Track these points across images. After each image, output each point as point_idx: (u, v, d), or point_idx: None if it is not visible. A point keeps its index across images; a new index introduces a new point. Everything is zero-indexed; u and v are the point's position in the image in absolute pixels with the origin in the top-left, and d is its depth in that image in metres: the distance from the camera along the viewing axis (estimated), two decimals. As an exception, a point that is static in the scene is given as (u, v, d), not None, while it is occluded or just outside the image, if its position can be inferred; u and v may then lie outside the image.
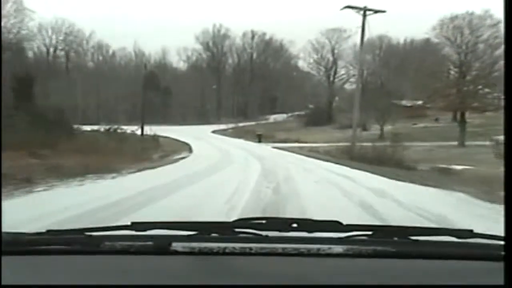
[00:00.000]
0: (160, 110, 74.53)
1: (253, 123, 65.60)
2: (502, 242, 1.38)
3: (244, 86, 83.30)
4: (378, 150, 20.69)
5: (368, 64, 58.54)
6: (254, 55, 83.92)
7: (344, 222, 1.43)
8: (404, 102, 52.95)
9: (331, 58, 67.48)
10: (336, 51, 66.11)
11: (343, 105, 66.24)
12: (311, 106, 68.36)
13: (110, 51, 78.35)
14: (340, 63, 66.03)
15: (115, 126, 37.51)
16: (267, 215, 6.87)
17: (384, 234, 1.51)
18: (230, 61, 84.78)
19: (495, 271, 1.27)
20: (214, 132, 57.09)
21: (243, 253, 1.40)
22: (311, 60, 67.91)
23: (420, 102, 51.47)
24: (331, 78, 65.92)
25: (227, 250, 1.40)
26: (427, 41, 46.81)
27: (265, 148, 33.87)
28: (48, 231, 1.48)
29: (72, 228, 1.52)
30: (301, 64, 77.30)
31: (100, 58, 77.77)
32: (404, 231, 1.51)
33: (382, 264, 1.37)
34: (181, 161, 22.67)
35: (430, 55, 42.39)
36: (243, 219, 1.53)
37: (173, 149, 31.19)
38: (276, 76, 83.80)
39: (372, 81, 57.97)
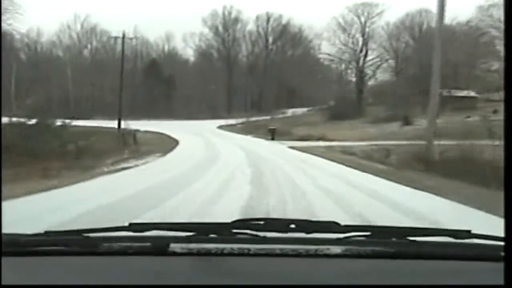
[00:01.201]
0: (162, 103, 65.85)
1: (267, 117, 56.19)
2: (500, 243, 1.39)
3: (258, 76, 74.15)
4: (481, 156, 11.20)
5: (406, 44, 48.58)
6: (270, 41, 74.35)
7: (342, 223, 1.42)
8: (454, 92, 43.15)
9: (360, 39, 57.02)
10: (367, 29, 55.66)
11: (372, 97, 56.72)
12: (331, 102, 57.84)
13: (107, 38, 69.40)
14: (371, 45, 55.47)
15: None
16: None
17: (382, 234, 1.50)
18: (242, 48, 75.32)
19: (493, 272, 1.28)
20: (220, 127, 48.19)
21: (241, 254, 1.41)
22: (337, 41, 56.93)
23: (473, 93, 41.88)
24: (361, 63, 54.99)
25: (225, 251, 1.41)
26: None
27: (278, 149, 24.52)
28: (46, 232, 1.47)
29: (70, 229, 1.50)
30: (324, 47, 65.32)
31: (95, 44, 68.99)
32: (402, 232, 1.51)
33: (380, 264, 1.38)
34: (140, 168, 15.06)
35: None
36: (242, 220, 1.53)
37: (150, 149, 22.58)
38: (294, 66, 73.51)
39: (413, 65, 47.75)
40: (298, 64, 74.23)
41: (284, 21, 73.03)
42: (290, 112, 66.65)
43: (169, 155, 20.03)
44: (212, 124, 50.28)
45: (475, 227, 1.59)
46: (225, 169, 13.58)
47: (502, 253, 1.34)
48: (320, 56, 59.54)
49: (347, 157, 18.79)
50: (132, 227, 1.44)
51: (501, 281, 1.21)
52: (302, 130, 38.68)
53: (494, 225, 3.35)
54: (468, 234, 1.44)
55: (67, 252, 1.42)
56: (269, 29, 73.81)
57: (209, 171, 12.98)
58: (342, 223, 1.43)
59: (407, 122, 36.13)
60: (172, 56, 72.90)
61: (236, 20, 72.03)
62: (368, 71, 53.87)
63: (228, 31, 72.26)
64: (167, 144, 27.23)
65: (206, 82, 69.76)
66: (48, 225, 5.44)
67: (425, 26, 51.02)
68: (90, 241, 1.44)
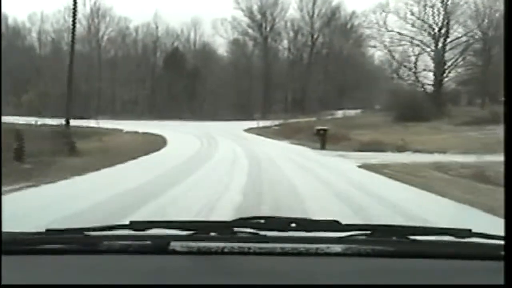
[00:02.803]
0: (185, 100, 54.61)
1: (313, 118, 43.42)
2: (501, 242, 1.39)
3: (301, 71, 61.65)
4: None
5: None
6: (316, 28, 61.95)
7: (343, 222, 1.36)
8: None
9: (441, 10, 41.22)
10: (448, 1, 40.91)
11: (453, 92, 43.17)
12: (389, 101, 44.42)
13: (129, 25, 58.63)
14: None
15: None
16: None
17: (383, 233, 1.51)
18: (282, 37, 63.17)
19: (494, 271, 1.28)
20: (248, 130, 36.33)
21: (242, 252, 1.40)
22: (408, 14, 41.27)
23: None
24: (440, 45, 40.46)
25: (226, 250, 1.40)
26: None
27: (341, 171, 13.10)
28: (47, 231, 1.47)
29: (71, 228, 1.51)
30: (391, 23, 48.34)
31: (105, 30, 58.16)
32: (403, 231, 1.51)
33: (381, 263, 1.38)
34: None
35: None
36: (242, 219, 1.52)
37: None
38: (344, 60, 61.39)
39: None
40: (348, 58, 61.75)
41: (333, 4, 60.59)
42: (340, 113, 53.90)
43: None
44: (237, 127, 38.76)
45: None
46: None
47: (502, 252, 1.34)
48: (386, 39, 43.73)
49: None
50: (133, 225, 1.43)
51: (501, 280, 1.21)
52: (364, 135, 26.24)
53: None
54: (469, 233, 1.43)
55: (68, 250, 1.41)
56: (315, 13, 61.43)
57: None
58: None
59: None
60: (198, 46, 61.51)
61: (275, 3, 60.08)
62: (449, 57, 39.12)
63: (266, 15, 60.30)
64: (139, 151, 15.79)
65: (239, 77, 58.05)
66: None
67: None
68: (91, 240, 1.43)
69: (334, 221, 1.44)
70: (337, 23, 63.21)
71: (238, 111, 54.67)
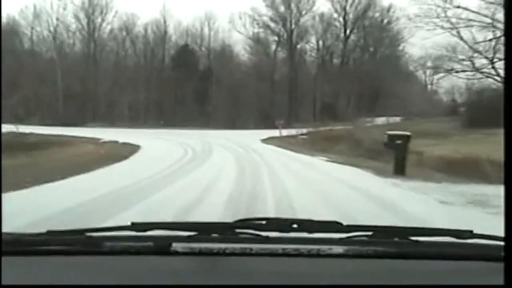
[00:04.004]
0: (196, 104, 46.60)
1: (349, 126, 34.74)
2: (502, 243, 1.39)
3: (333, 72, 53.44)
4: None
5: None
6: (348, 24, 53.49)
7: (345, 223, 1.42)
8: None
9: None
10: None
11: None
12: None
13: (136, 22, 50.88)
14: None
15: None
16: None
17: (384, 234, 1.52)
18: (310, 34, 54.71)
19: (495, 272, 1.28)
20: (267, 141, 28.05)
21: (243, 253, 1.41)
22: None
23: None
24: None
25: (227, 251, 1.41)
26: None
27: None
28: (48, 232, 1.47)
29: (72, 229, 1.51)
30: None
31: (101, 23, 50.34)
32: (404, 232, 1.52)
33: (382, 264, 1.39)
34: None
35: None
36: (244, 220, 1.52)
37: None
38: (379, 61, 53.87)
39: None
40: (384, 58, 54.56)
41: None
42: (380, 120, 45.38)
43: None
44: (260, 136, 30.57)
45: None
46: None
47: (503, 253, 1.35)
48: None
49: None
50: (134, 226, 1.44)
51: (501, 281, 1.22)
52: (437, 146, 17.55)
53: None
54: (470, 234, 1.44)
55: (69, 251, 1.41)
56: (347, 8, 52.96)
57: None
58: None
59: None
60: (212, 43, 53.44)
61: (302, -5, 51.82)
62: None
63: (291, 7, 52.00)
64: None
65: (259, 79, 50.12)
66: None
67: None
68: (92, 241, 1.44)
69: (336, 222, 1.45)
70: (373, 15, 54.63)
71: (258, 118, 46.56)
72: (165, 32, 50.50)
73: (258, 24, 52.55)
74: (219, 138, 28.11)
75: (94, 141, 24.62)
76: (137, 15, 50.55)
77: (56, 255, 1.39)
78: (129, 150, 18.70)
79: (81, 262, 1.37)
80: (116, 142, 24.17)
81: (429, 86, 59.39)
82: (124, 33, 49.63)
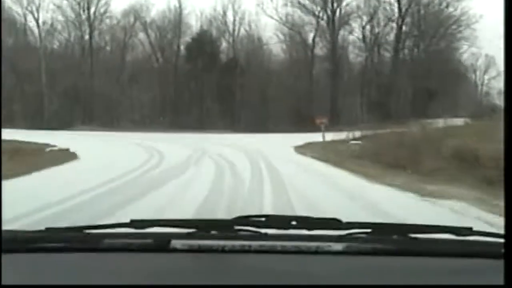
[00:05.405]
0: (216, 103, 38.28)
1: (404, 129, 25.82)
2: (501, 240, 1.39)
3: (383, 65, 46.23)
4: None
5: None
6: (403, 4, 44.43)
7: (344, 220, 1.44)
8: None
9: None
10: None
11: None
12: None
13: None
14: None
15: None
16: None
17: (384, 231, 1.52)
18: (354, 26, 45.96)
19: (494, 269, 1.28)
20: (303, 149, 19.47)
21: (242, 250, 1.40)
22: None
23: None
24: None
25: (226, 248, 1.40)
26: None
27: None
28: (47, 229, 1.48)
29: (71, 226, 1.53)
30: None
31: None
32: (404, 229, 1.52)
33: (382, 262, 1.38)
34: None
35: None
36: (243, 217, 1.52)
37: None
38: (433, 56, 45.92)
39: None
40: (441, 51, 46.96)
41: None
42: (440, 121, 36.92)
43: None
44: (294, 141, 22.89)
45: None
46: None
47: (503, 250, 1.34)
48: None
49: None
50: (133, 223, 1.45)
51: (501, 278, 1.21)
52: None
53: None
54: (470, 231, 1.45)
55: (68, 248, 1.41)
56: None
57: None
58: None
59: None
60: (236, 30, 44.88)
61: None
62: None
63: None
64: None
65: (294, 73, 42.14)
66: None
67: None
68: (91, 238, 1.44)
69: (335, 219, 1.46)
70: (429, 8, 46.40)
71: (292, 119, 38.07)
72: (180, 13, 42.03)
73: (292, 4, 43.77)
74: (231, 144, 19.55)
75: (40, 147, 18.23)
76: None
77: (55, 252, 1.38)
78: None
79: (80, 259, 1.36)
80: (67, 149, 17.56)
81: (479, 87, 56.17)
82: (132, 19, 41.53)
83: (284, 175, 10.80)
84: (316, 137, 23.89)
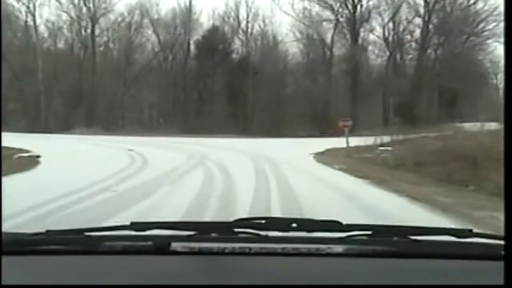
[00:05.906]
0: (226, 105, 35.58)
1: (433, 134, 22.71)
2: (501, 242, 1.39)
3: (405, 67, 43.00)
4: None
5: None
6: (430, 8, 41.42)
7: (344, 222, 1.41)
8: None
9: None
10: None
11: None
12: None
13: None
14: None
15: None
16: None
17: (384, 233, 1.52)
18: (375, 23, 42.59)
19: (495, 271, 1.28)
20: (322, 156, 16.53)
21: (242, 253, 1.41)
22: None
23: None
24: None
25: (226, 250, 1.41)
26: None
27: None
28: (47, 231, 1.47)
29: (71, 229, 1.51)
30: None
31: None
32: (404, 231, 1.52)
33: (382, 263, 1.39)
34: None
35: None
36: (243, 219, 1.53)
37: None
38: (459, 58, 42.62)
39: None
40: (466, 52, 43.95)
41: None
42: (468, 126, 33.88)
43: None
44: (312, 147, 19.99)
45: None
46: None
47: (503, 252, 1.34)
48: None
49: None
50: (134, 226, 1.44)
51: (501, 280, 1.22)
52: None
53: None
54: (469, 233, 1.44)
55: (68, 251, 1.41)
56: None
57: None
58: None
59: None
60: (250, 27, 41.85)
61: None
62: None
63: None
64: None
65: (311, 73, 39.60)
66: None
67: None
68: (91, 240, 1.44)
69: (335, 221, 1.45)
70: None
71: (309, 123, 35.35)
72: (190, 10, 39.33)
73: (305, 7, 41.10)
74: (239, 153, 16.68)
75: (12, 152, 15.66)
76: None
77: (55, 254, 1.39)
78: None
79: (80, 262, 1.36)
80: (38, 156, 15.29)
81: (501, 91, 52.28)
82: (138, 16, 38.97)
83: (304, 202, 7.23)
84: (336, 142, 20.79)
